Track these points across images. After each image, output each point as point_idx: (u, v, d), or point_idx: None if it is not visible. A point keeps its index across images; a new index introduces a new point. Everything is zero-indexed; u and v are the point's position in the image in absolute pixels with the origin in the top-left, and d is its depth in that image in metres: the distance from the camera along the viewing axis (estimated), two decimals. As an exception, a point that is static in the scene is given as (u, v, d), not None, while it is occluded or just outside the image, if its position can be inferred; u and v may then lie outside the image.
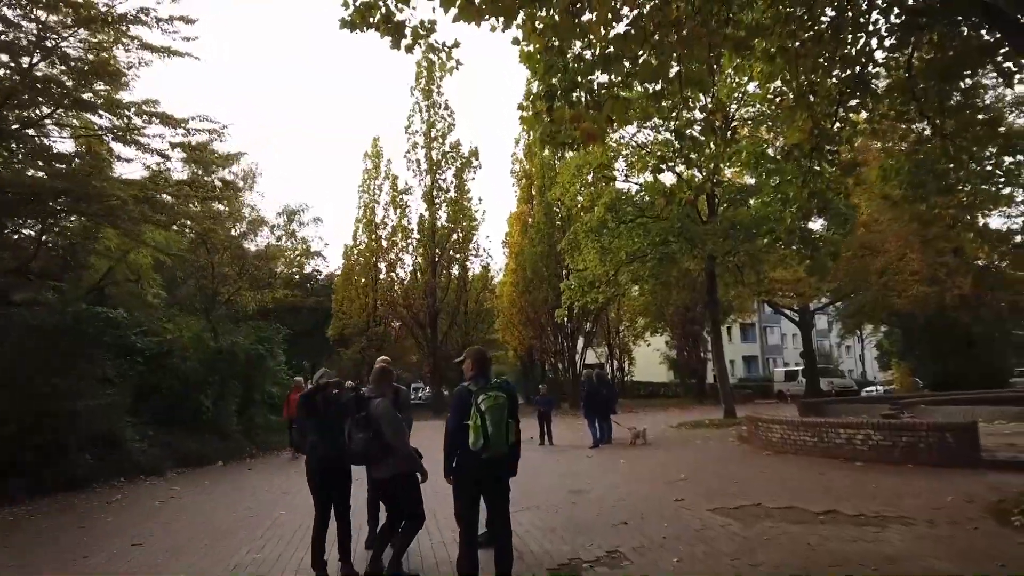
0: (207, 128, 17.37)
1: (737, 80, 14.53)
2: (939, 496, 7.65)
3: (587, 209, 20.99)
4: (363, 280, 36.54)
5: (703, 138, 8.64)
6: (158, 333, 17.18)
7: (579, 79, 6.61)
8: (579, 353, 34.54)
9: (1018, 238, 25.77)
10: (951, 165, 9.95)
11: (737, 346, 63.70)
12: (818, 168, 9.11)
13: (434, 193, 34.31)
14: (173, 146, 17.01)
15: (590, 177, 20.64)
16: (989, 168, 12.60)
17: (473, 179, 35.05)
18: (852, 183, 10.26)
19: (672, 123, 9.47)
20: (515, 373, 52.60)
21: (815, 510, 7.34)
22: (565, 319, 33.44)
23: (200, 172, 17.58)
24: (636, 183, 20.20)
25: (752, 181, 19.25)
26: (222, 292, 20.58)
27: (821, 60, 8.11)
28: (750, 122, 17.88)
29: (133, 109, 14.71)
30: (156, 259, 18.95)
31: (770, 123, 14.72)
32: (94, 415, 12.47)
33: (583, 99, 6.62)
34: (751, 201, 18.74)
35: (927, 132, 10.01)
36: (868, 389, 39.80)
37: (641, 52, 6.36)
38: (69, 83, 13.91)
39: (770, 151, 13.74)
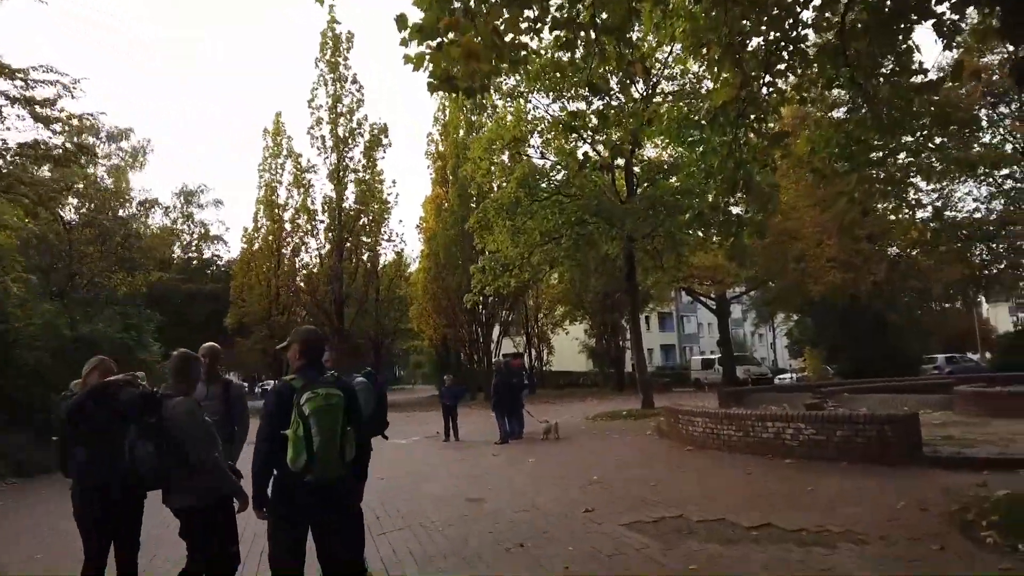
0: (52, 80, 14.96)
1: (658, 41, 13.36)
2: (887, 502, 6.52)
3: (500, 187, 19.52)
4: (264, 266, 33.89)
5: (622, 96, 7.37)
6: (5, 320, 14.69)
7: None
8: (495, 342, 33.15)
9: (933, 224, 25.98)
10: (882, 136, 9.04)
11: (655, 335, 63.96)
12: (744, 140, 8.06)
13: (340, 172, 32.02)
14: (9, 99, 14.57)
15: (505, 158, 19.20)
16: (921, 140, 11.99)
17: (383, 158, 32.99)
18: (779, 155, 9.23)
19: (586, 74, 8.12)
20: (432, 364, 50.86)
21: (747, 524, 6.07)
22: (480, 306, 31.99)
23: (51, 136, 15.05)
24: (552, 160, 18.79)
25: (672, 158, 18.23)
26: (83, 273, 17.85)
27: (745, 23, 7.03)
28: (671, 96, 16.76)
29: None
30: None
31: (693, 90, 13.64)
32: None
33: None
34: (673, 178, 17.67)
35: (858, 101, 9.14)
36: (781, 377, 40.10)
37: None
38: None
39: (694, 118, 12.60)
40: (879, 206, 27.72)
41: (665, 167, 18.59)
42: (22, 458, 12.52)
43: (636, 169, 19.53)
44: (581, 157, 13.23)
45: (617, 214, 16.63)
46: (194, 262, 43.91)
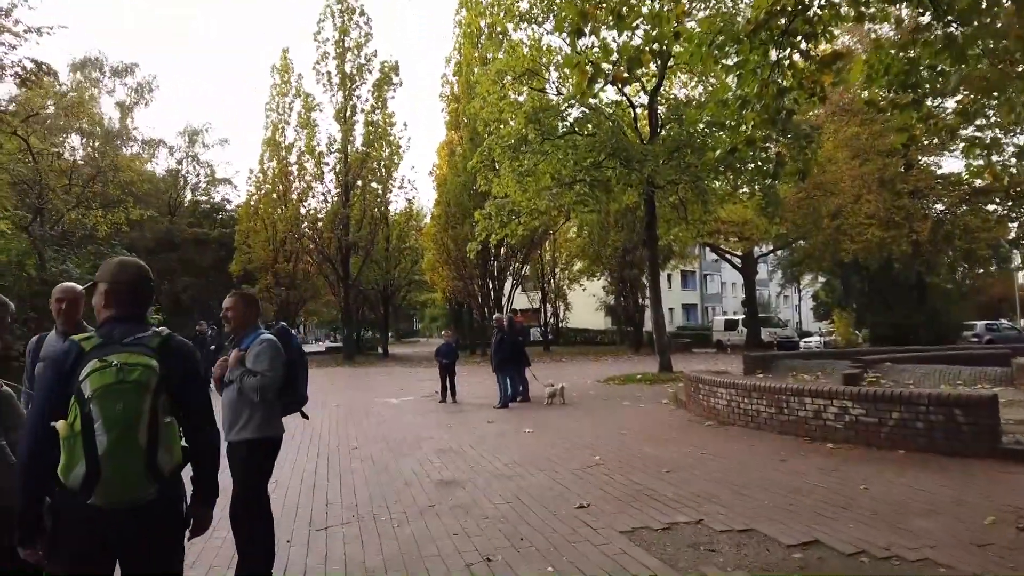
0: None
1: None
2: (970, 514, 5.00)
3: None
4: (270, 210, 32.48)
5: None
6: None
7: None
8: (507, 297, 31.69)
9: (977, 182, 23.85)
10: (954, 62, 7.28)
11: (677, 293, 62.14)
12: (788, 62, 6.42)
13: (347, 111, 30.25)
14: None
15: (521, 98, 17.35)
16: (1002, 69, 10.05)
17: (393, 98, 31.09)
18: (829, 82, 7.51)
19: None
20: (446, 318, 49.71)
21: (787, 540, 4.60)
22: (491, 258, 30.46)
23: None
24: (566, 95, 16.85)
25: (702, 95, 16.31)
26: (53, 209, 16.41)
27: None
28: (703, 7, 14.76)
29: None
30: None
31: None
32: None
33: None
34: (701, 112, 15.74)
35: (926, 19, 7.35)
36: (807, 341, 38.35)
37: None
38: None
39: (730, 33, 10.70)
40: (924, 159, 25.58)
41: (693, 104, 16.65)
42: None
43: (661, 109, 17.65)
44: (590, 69, 11.44)
45: (636, 155, 14.87)
46: (203, 206, 42.76)
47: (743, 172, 15.56)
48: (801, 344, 34.48)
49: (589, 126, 15.12)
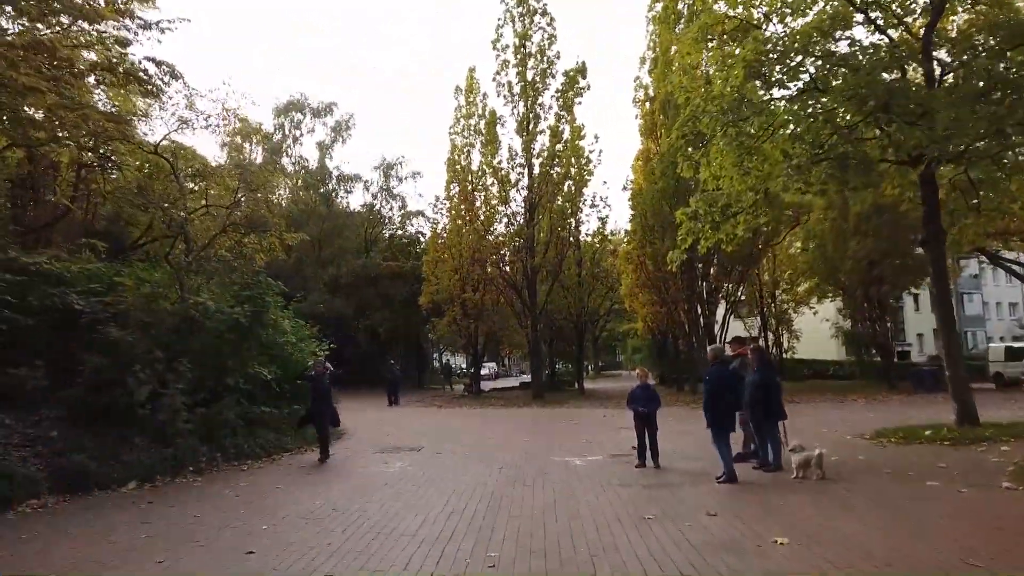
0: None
1: None
2: None
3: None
4: (455, 238, 30.65)
5: None
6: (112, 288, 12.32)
7: None
8: (719, 324, 26.76)
9: None
10: None
11: (926, 316, 51.91)
12: None
13: (529, 121, 27.54)
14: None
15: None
16: None
17: (580, 103, 27.79)
18: None
19: None
20: (648, 349, 45.19)
21: None
22: (699, 278, 25.84)
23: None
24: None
25: (1010, 19, 10.97)
26: (198, 232, 14.87)
27: None
28: None
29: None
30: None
31: None
32: None
33: None
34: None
35: None
36: None
37: None
38: None
39: None
40: None
41: (994, 39, 11.31)
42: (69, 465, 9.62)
43: (940, 55, 12.48)
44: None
45: (920, 103, 9.96)
46: (398, 240, 42.71)
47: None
48: None
49: (842, 72, 10.45)
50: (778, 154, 10.98)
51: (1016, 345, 32.92)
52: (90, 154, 14.87)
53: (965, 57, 11.23)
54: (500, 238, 29.16)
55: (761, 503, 7.70)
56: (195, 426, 11.84)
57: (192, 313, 12.28)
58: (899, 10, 12.44)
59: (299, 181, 40.10)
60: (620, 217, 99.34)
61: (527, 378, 38.24)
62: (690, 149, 12.37)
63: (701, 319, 25.94)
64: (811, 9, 11.44)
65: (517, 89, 27.55)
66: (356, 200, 42.88)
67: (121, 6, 12.35)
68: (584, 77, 27.16)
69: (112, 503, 8.97)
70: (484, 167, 29.02)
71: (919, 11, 12.53)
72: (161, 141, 14.21)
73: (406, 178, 43.44)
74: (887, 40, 12.07)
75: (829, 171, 11.24)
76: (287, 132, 39.79)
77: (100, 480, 9.90)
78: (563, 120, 27.47)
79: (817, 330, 36.42)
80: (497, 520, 7.25)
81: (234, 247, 15.48)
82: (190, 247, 13.71)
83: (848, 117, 10.82)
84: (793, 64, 10.77)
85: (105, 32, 12.28)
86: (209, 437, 12.09)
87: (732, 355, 10.94)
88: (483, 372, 43.72)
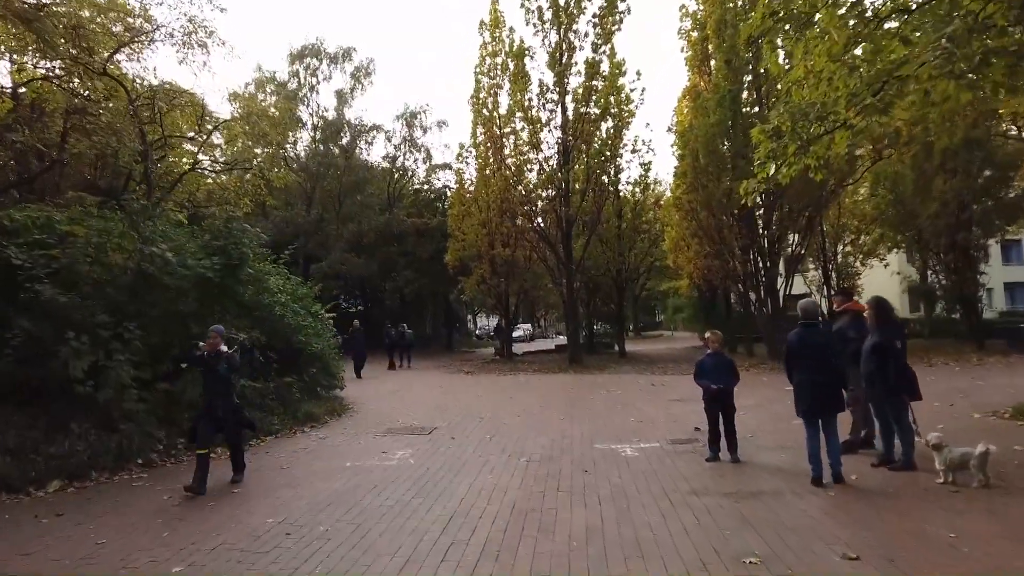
0: None
1: None
2: None
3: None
4: (483, 190, 27.89)
5: None
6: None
7: None
8: (782, 277, 23.68)
9: None
10: None
11: (997, 269, 47.70)
12: None
13: (562, 53, 24.42)
14: None
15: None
16: None
17: (619, 30, 24.46)
18: None
19: None
20: (692, 307, 42.13)
21: None
22: (760, 226, 22.70)
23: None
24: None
25: None
26: (165, 167, 12.37)
27: None
28: None
29: None
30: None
31: None
32: None
33: None
34: None
35: None
36: None
37: None
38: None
39: None
40: None
41: None
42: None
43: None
44: None
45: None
46: (424, 195, 40.13)
47: None
48: None
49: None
50: (900, 50, 7.97)
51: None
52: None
53: None
54: (532, 187, 26.23)
55: (917, 533, 5.06)
56: (151, 405, 9.60)
57: (147, 267, 9.93)
58: None
59: (317, 133, 37.58)
60: (660, 169, 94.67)
61: (564, 340, 35.65)
62: (780, 42, 9.39)
63: (762, 272, 22.86)
64: None
65: (548, 15, 24.36)
66: (378, 152, 40.25)
67: None
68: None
69: (9, 517, 6.71)
70: (513, 107, 25.96)
71: None
72: (112, 56, 11.68)
73: (431, 127, 40.65)
74: None
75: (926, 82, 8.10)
76: (303, 80, 37.12)
77: (13, 481, 7.71)
78: (601, 51, 24.23)
79: (875, 285, 33.04)
80: (517, 561, 4.77)
81: (215, 190, 13.01)
82: (151, 187, 11.27)
83: None
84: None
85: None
86: (170, 419, 9.85)
87: (839, 310, 8.24)
88: (516, 334, 41.28)
